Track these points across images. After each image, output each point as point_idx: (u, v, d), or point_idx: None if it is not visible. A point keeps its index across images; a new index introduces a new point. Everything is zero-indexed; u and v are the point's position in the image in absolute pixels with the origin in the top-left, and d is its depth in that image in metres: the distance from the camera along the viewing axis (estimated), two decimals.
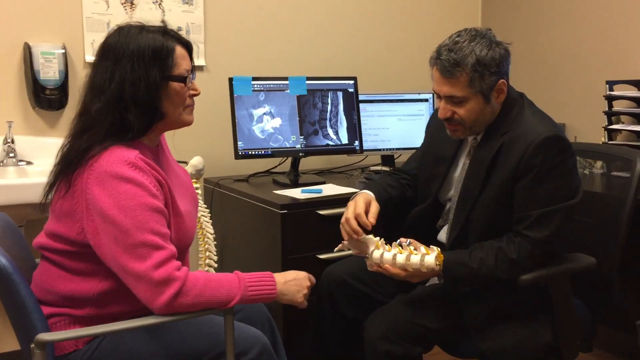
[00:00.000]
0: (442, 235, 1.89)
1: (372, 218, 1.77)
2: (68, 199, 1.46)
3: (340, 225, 1.80)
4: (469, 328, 1.74)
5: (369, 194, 1.88)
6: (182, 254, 1.58)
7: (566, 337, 1.76)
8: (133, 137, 1.48)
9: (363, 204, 1.80)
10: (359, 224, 1.76)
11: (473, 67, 1.66)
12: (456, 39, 1.70)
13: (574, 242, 1.84)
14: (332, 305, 1.93)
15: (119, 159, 1.42)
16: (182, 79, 1.52)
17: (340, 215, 2.15)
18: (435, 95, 1.79)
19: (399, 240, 1.73)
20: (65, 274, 1.50)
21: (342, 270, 1.95)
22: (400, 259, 1.67)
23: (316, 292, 1.97)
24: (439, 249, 1.68)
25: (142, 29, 1.52)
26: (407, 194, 2.01)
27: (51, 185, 1.50)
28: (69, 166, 1.46)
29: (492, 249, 1.69)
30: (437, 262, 1.65)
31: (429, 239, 1.80)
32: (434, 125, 1.97)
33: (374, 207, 1.81)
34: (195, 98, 1.60)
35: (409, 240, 1.73)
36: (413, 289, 1.84)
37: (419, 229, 1.89)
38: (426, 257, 1.65)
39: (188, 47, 1.57)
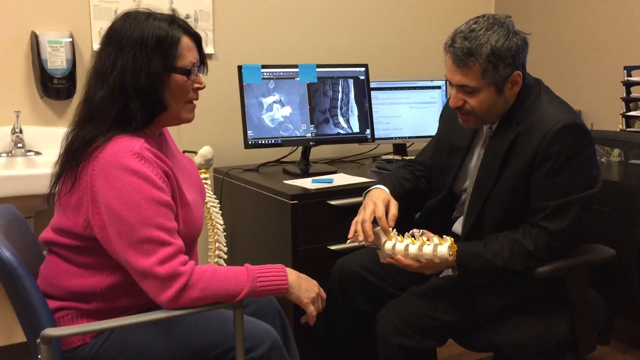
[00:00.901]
0: (457, 227, 1.85)
1: (391, 221, 1.73)
2: (74, 192, 1.43)
3: (354, 224, 1.75)
4: (483, 321, 1.71)
5: (385, 191, 1.82)
6: (191, 245, 1.55)
7: (583, 330, 1.72)
8: (136, 127, 1.44)
9: (383, 206, 1.74)
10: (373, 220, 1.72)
11: (487, 58, 1.61)
12: (473, 25, 1.64)
13: (591, 232, 1.79)
14: (343, 298, 1.91)
15: (123, 150, 1.39)
16: (185, 72, 1.48)
17: (352, 205, 2.13)
18: (447, 82, 1.74)
19: (411, 231, 1.69)
20: (72, 269, 1.48)
21: (354, 263, 1.92)
22: (413, 249, 1.63)
23: (327, 285, 1.95)
24: (452, 239, 1.64)
25: (149, 15, 1.47)
26: (422, 185, 1.97)
27: (57, 177, 1.47)
28: (74, 157, 1.43)
29: (507, 240, 1.65)
30: (451, 252, 1.61)
31: (443, 231, 1.76)
32: (448, 115, 1.92)
33: (394, 208, 1.75)
34: (204, 86, 1.56)
35: (421, 230, 1.69)
36: (426, 281, 1.80)
37: (434, 221, 1.85)
38: (439, 247, 1.61)
39: (196, 38, 1.52)
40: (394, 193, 1.82)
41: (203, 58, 1.54)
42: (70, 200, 1.44)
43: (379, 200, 1.75)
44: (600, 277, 1.81)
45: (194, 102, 1.55)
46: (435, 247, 1.62)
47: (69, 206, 1.45)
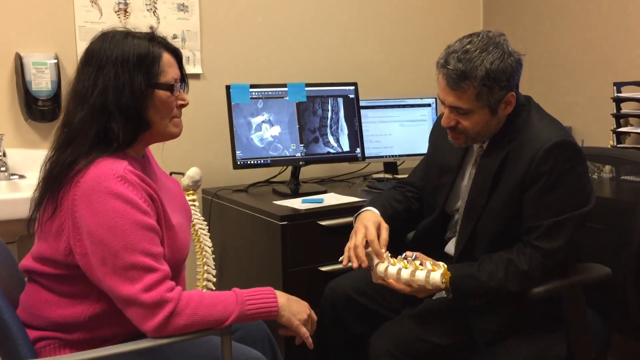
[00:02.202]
0: (450, 247, 1.82)
1: (383, 246, 1.70)
2: (55, 219, 1.39)
3: (347, 250, 1.72)
4: (478, 343, 1.67)
5: (376, 213, 1.80)
6: (177, 270, 1.51)
7: (581, 350, 1.68)
8: (118, 147, 1.40)
9: (374, 229, 1.71)
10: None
11: (482, 81, 1.58)
12: (467, 46, 1.60)
13: (585, 250, 1.76)
14: (335, 321, 1.87)
15: (106, 173, 1.34)
16: (169, 87, 1.45)
17: (343, 225, 2.10)
18: (440, 101, 1.72)
19: (404, 254, 1.65)
20: (54, 299, 1.43)
21: (345, 285, 1.88)
22: (405, 274, 1.60)
23: (319, 307, 1.91)
24: (446, 266, 1.60)
25: (127, 34, 1.45)
26: (413, 207, 1.94)
27: (37, 203, 1.43)
28: (54, 183, 1.39)
29: (501, 260, 1.62)
30: (443, 280, 1.58)
31: (436, 251, 1.73)
32: (437, 134, 1.90)
33: (385, 233, 1.73)
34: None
35: (414, 254, 1.66)
36: (420, 303, 1.76)
37: (427, 242, 1.82)
38: (432, 273, 1.58)
39: (176, 54, 1.50)
40: (385, 215, 1.80)
41: (184, 75, 1.51)
42: (51, 227, 1.39)
43: (370, 223, 1.73)
44: (596, 295, 1.78)
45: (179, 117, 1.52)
46: (428, 273, 1.59)
47: (49, 233, 1.40)
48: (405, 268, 1.61)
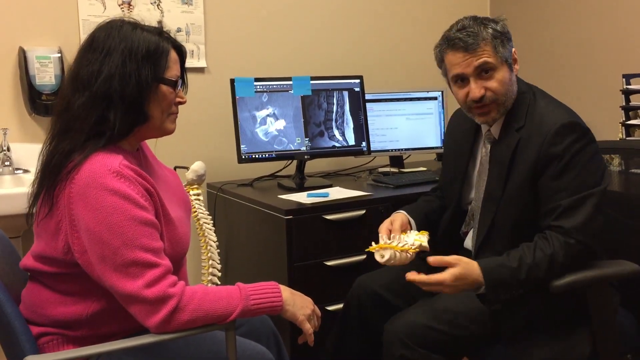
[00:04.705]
0: (468, 242, 1.80)
1: (397, 231, 1.76)
2: (52, 217, 1.37)
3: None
4: (499, 338, 1.64)
5: (397, 214, 1.85)
6: (178, 264, 1.49)
7: (607, 349, 1.62)
8: (111, 138, 1.38)
9: (386, 234, 1.76)
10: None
11: (493, 35, 1.66)
12: (462, 23, 1.70)
13: (610, 244, 1.70)
14: (360, 316, 1.84)
15: (101, 168, 1.32)
16: (172, 83, 1.45)
17: (349, 219, 2.13)
18: (454, 83, 1.71)
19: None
20: (55, 297, 1.42)
21: (374, 281, 1.86)
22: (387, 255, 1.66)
23: (345, 301, 1.90)
24: (419, 237, 1.66)
25: (136, 26, 1.44)
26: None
27: (35, 197, 1.41)
28: (51, 176, 1.36)
29: (528, 247, 1.59)
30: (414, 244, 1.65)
31: (456, 247, 1.72)
32: (452, 126, 1.95)
33: (397, 223, 1.79)
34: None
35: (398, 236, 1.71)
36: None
37: (448, 237, 1.81)
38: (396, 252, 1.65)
39: (181, 52, 1.50)
40: (413, 213, 1.86)
41: (184, 74, 1.52)
42: (48, 225, 1.38)
43: (382, 229, 1.78)
44: (630, 294, 1.72)
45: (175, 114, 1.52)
46: (394, 252, 1.65)
47: (47, 232, 1.38)
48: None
